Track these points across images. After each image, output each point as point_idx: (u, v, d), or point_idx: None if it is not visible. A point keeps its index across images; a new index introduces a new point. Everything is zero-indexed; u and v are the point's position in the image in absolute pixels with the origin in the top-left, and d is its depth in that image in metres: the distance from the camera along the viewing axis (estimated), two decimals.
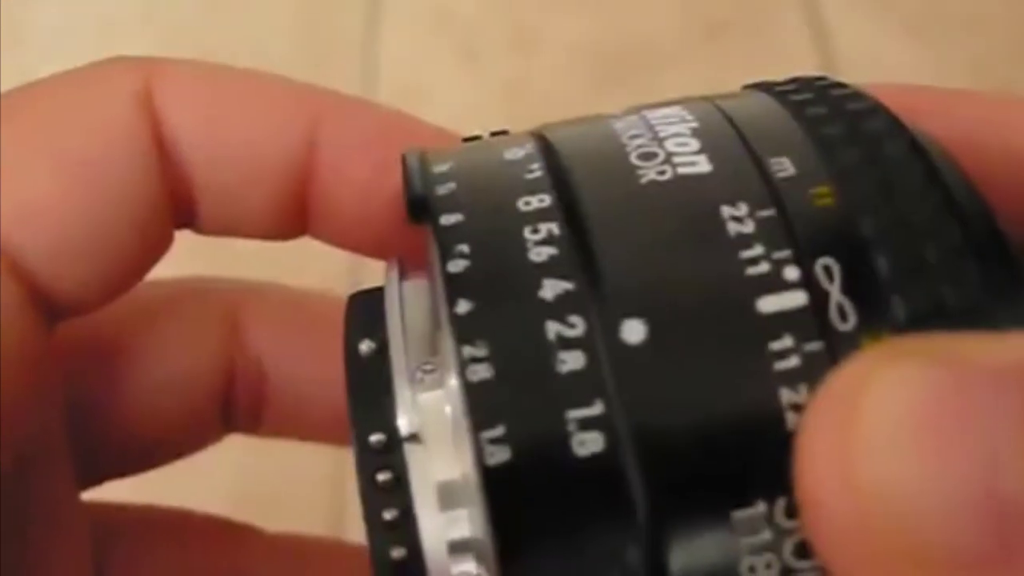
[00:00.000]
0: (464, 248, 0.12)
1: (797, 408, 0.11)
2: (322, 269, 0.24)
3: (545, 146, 0.13)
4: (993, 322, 0.11)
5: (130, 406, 0.17)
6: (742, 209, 0.12)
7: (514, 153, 0.13)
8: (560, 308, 0.11)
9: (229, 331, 0.18)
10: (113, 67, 0.16)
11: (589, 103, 0.15)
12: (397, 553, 0.12)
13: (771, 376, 0.11)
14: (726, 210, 0.12)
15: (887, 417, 0.10)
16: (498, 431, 0.11)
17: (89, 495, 0.17)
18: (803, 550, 0.11)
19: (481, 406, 0.11)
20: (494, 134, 0.14)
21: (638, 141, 0.13)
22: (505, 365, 0.11)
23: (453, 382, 0.11)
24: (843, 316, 0.11)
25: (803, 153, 0.12)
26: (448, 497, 0.12)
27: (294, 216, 0.16)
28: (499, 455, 0.11)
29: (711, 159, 0.12)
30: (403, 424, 0.12)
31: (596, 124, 0.14)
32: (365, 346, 0.13)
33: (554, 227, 0.12)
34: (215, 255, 0.20)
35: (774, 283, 0.11)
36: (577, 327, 0.11)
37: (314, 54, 0.43)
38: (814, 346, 0.11)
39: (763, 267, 0.11)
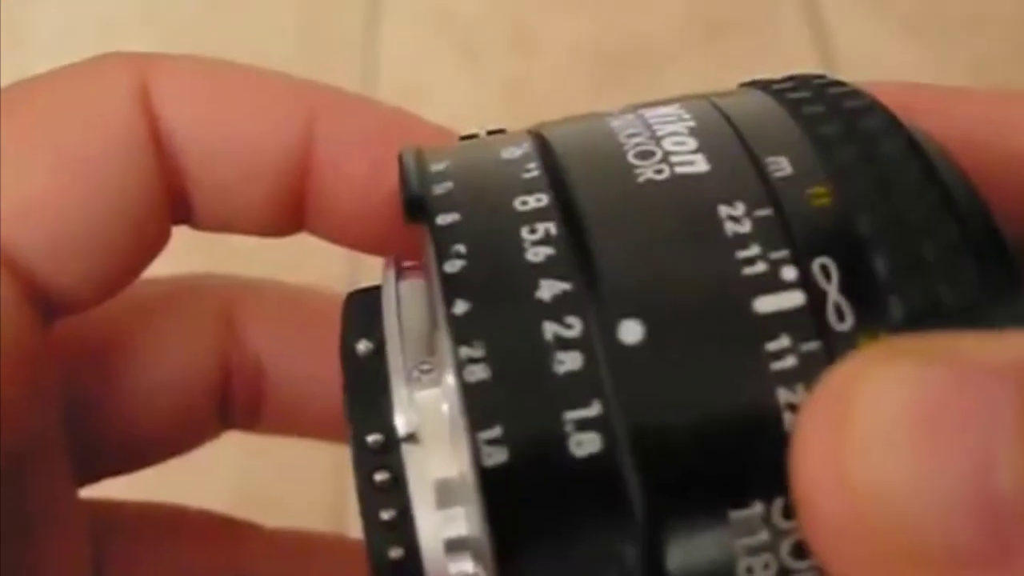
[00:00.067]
0: (461, 248, 0.12)
1: (794, 408, 0.11)
2: (320, 266, 0.24)
3: (542, 145, 0.13)
4: (990, 321, 0.11)
5: (127, 403, 0.17)
6: (739, 209, 0.12)
7: (511, 152, 0.13)
8: (557, 308, 0.11)
9: (226, 328, 0.18)
10: (110, 62, 0.16)
11: (589, 103, 0.15)
12: (395, 553, 0.12)
13: (768, 376, 0.11)
14: (723, 210, 0.12)
15: (883, 416, 0.10)
16: (495, 432, 0.11)
17: (87, 492, 0.17)
18: (800, 550, 0.11)
19: (478, 407, 0.11)
20: (491, 132, 0.14)
21: (636, 140, 0.13)
22: (502, 366, 0.11)
23: (450, 380, 0.11)
24: (840, 316, 0.11)
25: (800, 152, 0.12)
26: (445, 495, 0.12)
27: (291, 212, 0.16)
28: (496, 456, 0.11)
29: (708, 158, 0.12)
30: (400, 423, 0.12)
31: (593, 122, 0.14)
32: (362, 346, 0.13)
33: (551, 227, 0.12)
34: (212, 251, 0.20)
35: (771, 283, 0.11)
36: (574, 328, 0.11)
37: (314, 54, 0.43)
38: (811, 346, 0.11)
39: (760, 267, 0.11)
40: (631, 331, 0.11)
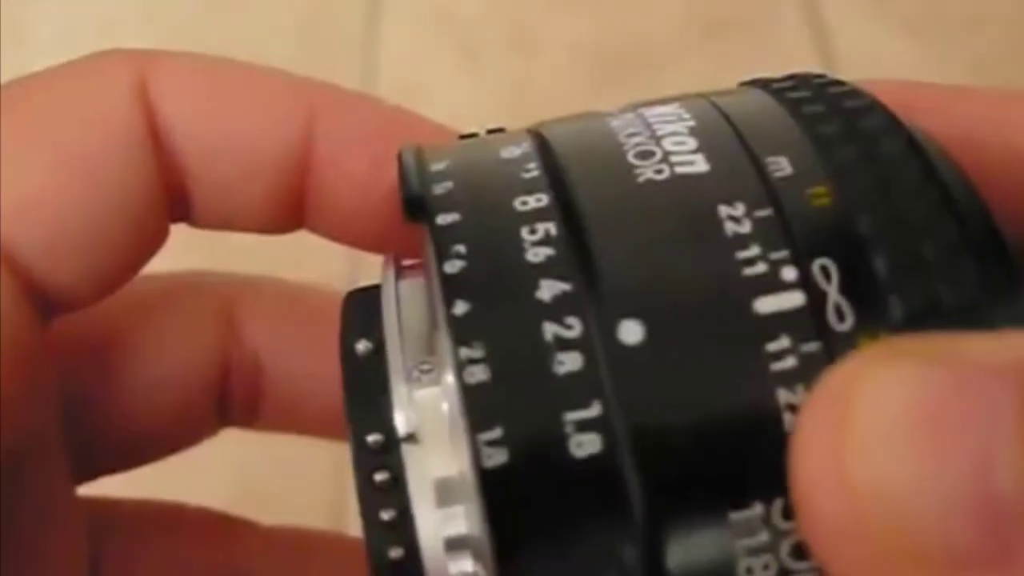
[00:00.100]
0: (461, 248, 0.12)
1: (794, 409, 0.11)
2: (320, 263, 0.24)
3: (542, 144, 0.13)
4: (990, 321, 0.11)
5: (126, 400, 0.17)
6: (739, 209, 0.12)
7: (511, 151, 0.13)
8: (557, 309, 0.11)
9: (225, 325, 0.18)
10: (109, 59, 0.16)
11: (589, 103, 0.15)
12: (395, 553, 0.12)
13: (768, 377, 0.11)
14: (723, 210, 0.12)
15: (882, 416, 0.10)
16: (495, 433, 0.11)
17: (84, 490, 0.17)
18: (800, 551, 0.11)
19: (478, 408, 0.11)
20: (491, 131, 0.14)
21: (635, 139, 0.13)
22: (502, 367, 0.11)
23: (450, 379, 0.11)
24: (840, 316, 0.11)
25: (800, 152, 0.12)
26: (445, 493, 0.12)
27: (291, 209, 0.16)
28: (497, 457, 0.11)
29: (708, 158, 0.12)
30: (400, 422, 0.12)
31: (593, 122, 0.14)
32: (362, 346, 0.13)
33: (551, 227, 0.12)
34: (212, 249, 0.20)
35: (771, 283, 0.11)
36: (574, 328, 0.11)
37: (314, 54, 0.43)
38: (811, 347, 0.11)
39: (760, 267, 0.11)
40: (631, 331, 0.11)
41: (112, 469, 0.18)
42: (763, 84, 0.14)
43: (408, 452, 0.12)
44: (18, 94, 0.15)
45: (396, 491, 0.12)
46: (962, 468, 0.09)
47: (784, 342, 0.11)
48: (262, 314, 0.18)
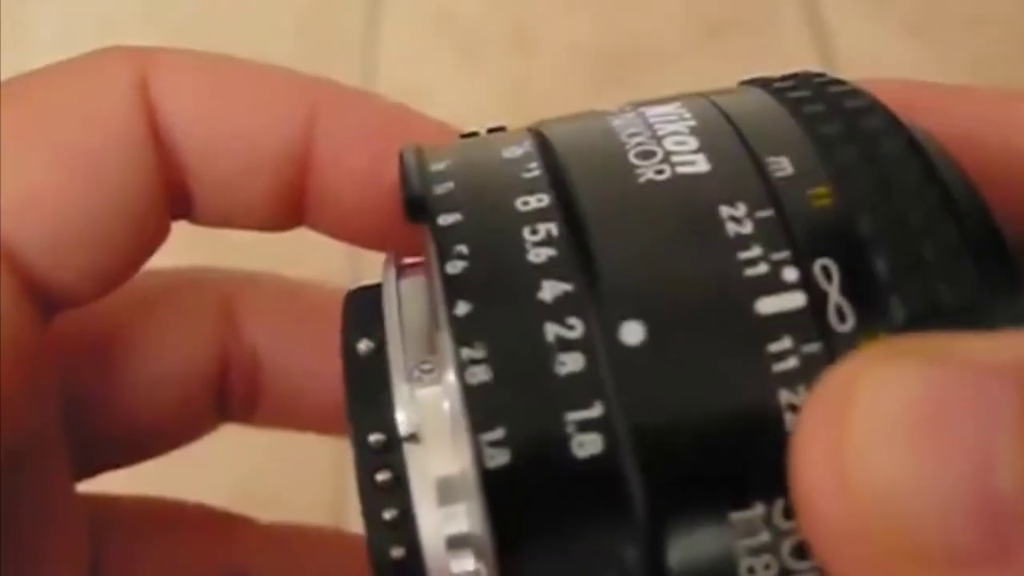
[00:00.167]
0: (463, 249, 0.12)
1: (796, 409, 0.11)
2: (320, 261, 0.24)
3: (543, 144, 0.13)
4: (990, 320, 0.11)
5: (126, 397, 0.17)
6: (741, 209, 0.12)
7: (512, 151, 0.13)
8: (559, 310, 0.11)
9: (224, 321, 0.18)
10: (110, 57, 0.16)
11: (589, 103, 0.15)
12: (396, 553, 0.12)
13: (770, 377, 0.11)
14: (725, 210, 0.12)
15: (882, 416, 0.10)
16: (497, 434, 0.11)
17: (84, 487, 0.17)
18: (801, 551, 0.11)
19: (480, 408, 0.11)
20: (491, 130, 0.14)
21: (636, 139, 0.13)
22: (504, 367, 0.11)
23: (451, 378, 0.11)
24: (842, 317, 0.11)
25: (801, 152, 0.12)
26: (447, 492, 0.12)
27: (291, 207, 0.16)
28: (499, 458, 0.11)
29: (709, 158, 0.12)
30: (401, 420, 0.12)
31: (594, 121, 0.14)
32: (363, 345, 0.13)
33: (553, 227, 0.12)
34: (213, 246, 0.20)
35: (773, 284, 0.11)
36: (576, 329, 0.11)
37: (314, 54, 0.43)
38: (813, 347, 0.11)
39: (762, 268, 0.11)
40: (632, 332, 0.11)
41: (113, 465, 0.18)
42: (763, 83, 0.14)
43: (410, 452, 0.12)
44: (18, 92, 0.15)
45: (398, 491, 0.12)
46: (962, 468, 0.09)
47: (785, 343, 0.11)
48: (261, 310, 0.19)
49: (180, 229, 0.17)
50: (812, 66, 0.15)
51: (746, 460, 0.11)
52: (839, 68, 0.40)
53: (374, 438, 0.13)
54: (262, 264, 0.19)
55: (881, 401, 0.10)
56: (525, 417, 0.11)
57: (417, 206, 0.13)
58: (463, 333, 0.11)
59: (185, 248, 0.18)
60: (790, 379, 0.11)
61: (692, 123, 0.13)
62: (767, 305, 0.11)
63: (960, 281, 0.11)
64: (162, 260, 0.17)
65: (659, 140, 0.13)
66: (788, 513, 0.11)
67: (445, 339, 0.11)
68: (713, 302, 0.11)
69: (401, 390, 0.12)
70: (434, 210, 0.12)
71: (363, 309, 0.14)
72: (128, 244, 0.16)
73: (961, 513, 0.09)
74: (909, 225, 0.11)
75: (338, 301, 0.14)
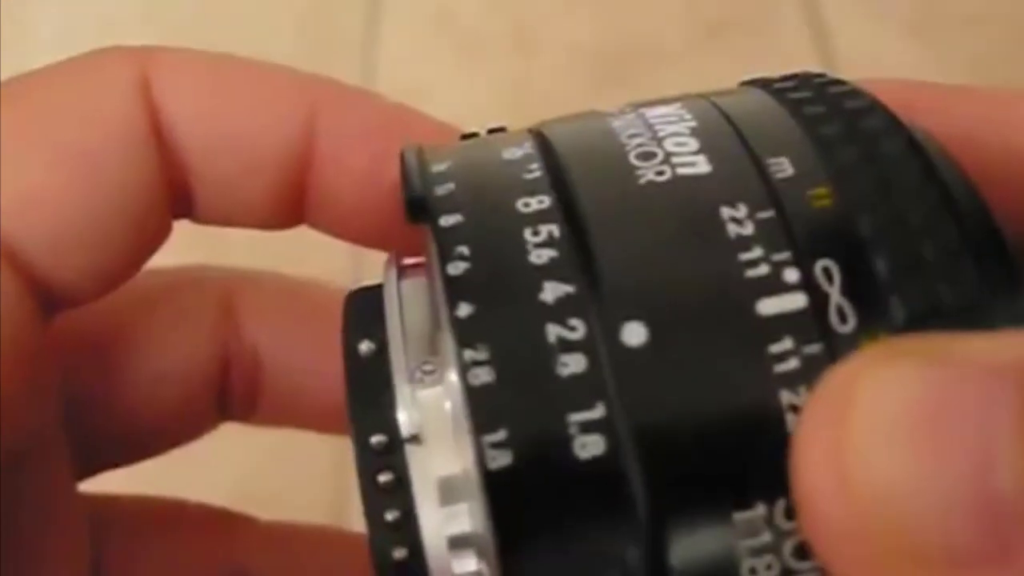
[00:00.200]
0: (464, 250, 0.12)
1: (797, 410, 0.11)
2: (322, 260, 0.24)
3: (544, 145, 0.13)
4: (990, 321, 0.11)
5: (127, 395, 0.17)
6: (741, 210, 0.12)
7: (512, 152, 0.13)
8: (560, 311, 0.11)
9: (225, 319, 0.18)
10: (110, 56, 0.16)
11: (589, 103, 0.15)
12: (399, 553, 0.12)
13: (771, 378, 0.11)
14: (725, 211, 0.12)
15: (882, 416, 0.10)
16: (500, 435, 0.11)
17: (85, 486, 0.17)
18: (803, 551, 0.11)
19: (483, 410, 0.11)
20: (492, 131, 0.14)
21: (637, 140, 0.13)
22: (506, 368, 0.11)
23: (453, 378, 0.11)
24: (843, 318, 0.11)
25: (801, 153, 0.12)
26: (448, 492, 0.12)
27: (292, 206, 0.16)
28: (501, 459, 0.11)
29: (710, 159, 0.12)
30: (403, 421, 0.12)
31: (595, 122, 0.14)
32: (364, 346, 0.13)
33: (554, 229, 0.12)
34: (213, 245, 0.20)
35: (774, 285, 0.11)
36: (578, 330, 0.11)
37: (314, 54, 0.43)
38: (814, 348, 0.11)
39: (763, 269, 0.11)
40: (634, 333, 0.11)
41: (113, 464, 0.18)
42: (763, 84, 0.14)
43: (412, 453, 0.12)
44: (19, 91, 0.15)
45: (400, 492, 0.12)
46: (962, 468, 0.09)
47: (787, 344, 0.11)
48: (262, 309, 0.19)
49: (181, 228, 0.17)
50: (812, 66, 0.15)
51: (747, 461, 0.11)
52: (839, 68, 0.40)
53: (376, 439, 0.13)
54: (263, 263, 0.19)
55: (881, 401, 0.10)
56: (527, 418, 0.11)
57: (418, 207, 0.13)
58: (465, 334, 0.11)
59: (186, 247, 0.18)
60: (791, 380, 0.11)
61: (692, 124, 0.13)
62: (768, 306, 0.11)
63: (960, 281, 0.11)
64: (163, 259, 0.17)
65: (660, 141, 0.13)
66: (790, 513, 0.11)
67: (447, 340, 0.11)
68: (714, 303, 0.11)
69: (403, 391, 0.12)
70: (435, 211, 0.12)
71: (364, 310, 0.14)
72: (129, 243, 0.16)
73: (961, 513, 0.09)
74: (909, 225, 0.11)
75: (339, 300, 0.14)
